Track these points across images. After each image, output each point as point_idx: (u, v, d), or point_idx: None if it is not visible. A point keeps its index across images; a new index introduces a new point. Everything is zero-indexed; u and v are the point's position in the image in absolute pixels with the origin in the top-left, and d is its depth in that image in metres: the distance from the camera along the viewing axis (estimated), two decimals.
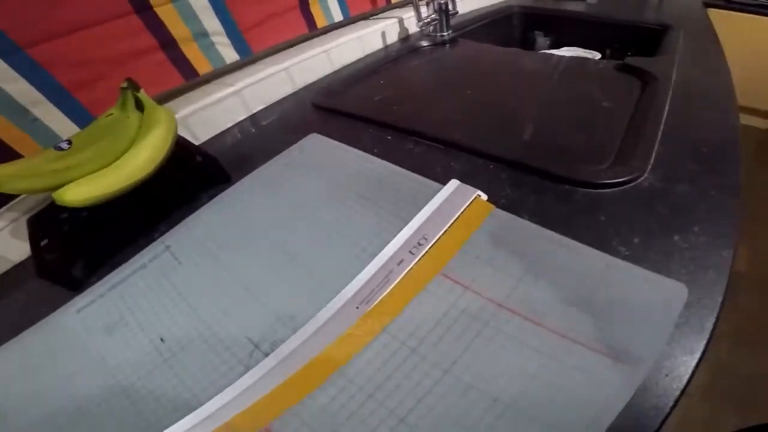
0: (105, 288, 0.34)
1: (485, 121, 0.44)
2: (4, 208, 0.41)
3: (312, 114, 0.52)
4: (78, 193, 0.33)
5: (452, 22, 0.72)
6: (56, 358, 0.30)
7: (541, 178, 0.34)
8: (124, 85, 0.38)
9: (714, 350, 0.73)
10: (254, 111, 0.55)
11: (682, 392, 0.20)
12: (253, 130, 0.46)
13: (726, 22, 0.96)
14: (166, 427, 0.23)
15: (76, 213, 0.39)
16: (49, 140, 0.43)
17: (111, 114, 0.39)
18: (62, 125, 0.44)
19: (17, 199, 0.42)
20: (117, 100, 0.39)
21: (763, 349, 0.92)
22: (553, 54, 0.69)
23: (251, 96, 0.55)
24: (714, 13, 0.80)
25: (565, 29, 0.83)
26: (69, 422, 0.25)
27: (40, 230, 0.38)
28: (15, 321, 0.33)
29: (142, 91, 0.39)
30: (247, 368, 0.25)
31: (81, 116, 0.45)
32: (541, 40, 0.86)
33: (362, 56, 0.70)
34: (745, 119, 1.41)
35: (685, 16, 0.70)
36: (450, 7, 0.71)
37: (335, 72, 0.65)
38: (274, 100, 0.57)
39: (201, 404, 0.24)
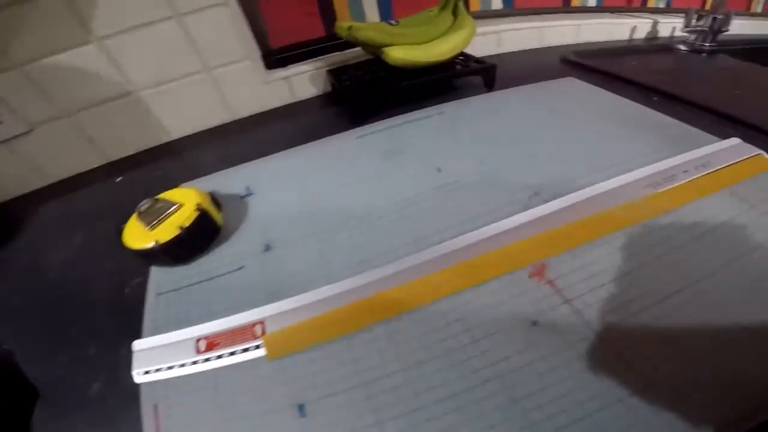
0: (383, 126, 0.44)
1: (765, 114, 0.41)
2: (314, 59, 0.55)
3: (562, 67, 0.55)
4: (402, 53, 0.43)
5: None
6: (331, 168, 0.37)
7: None
8: None
9: None
10: (504, 51, 0.61)
11: None
12: (506, 65, 0.52)
13: None
14: (440, 241, 0.27)
15: (372, 70, 0.50)
16: (358, 19, 0.56)
17: (431, 11, 0.49)
18: (372, 13, 0.56)
19: (323, 56, 0.55)
20: (440, 1, 0.49)
21: None
22: None
23: (506, 39, 0.61)
24: None
25: None
26: (341, 220, 0.31)
27: (340, 75, 0.50)
28: (300, 136, 0.45)
29: (461, 1, 0.48)
30: (527, 208, 0.28)
31: (386, 11, 0.57)
32: None
33: (605, 40, 0.70)
34: None
35: None
36: (723, 25, 0.66)
37: (577, 44, 0.68)
38: (522, 49, 0.63)
39: (478, 228, 0.27)
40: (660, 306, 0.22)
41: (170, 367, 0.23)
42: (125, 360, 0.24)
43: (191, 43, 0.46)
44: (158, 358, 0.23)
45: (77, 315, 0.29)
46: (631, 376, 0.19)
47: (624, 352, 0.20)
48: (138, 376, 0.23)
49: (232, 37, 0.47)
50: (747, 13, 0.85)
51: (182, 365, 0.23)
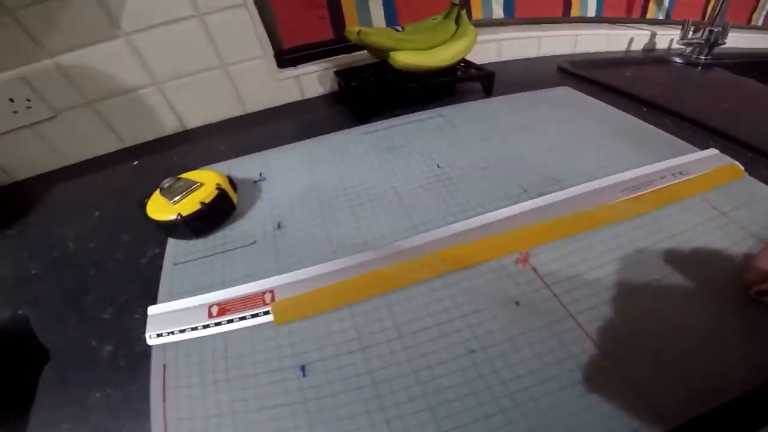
0: (387, 125, 0.47)
1: (749, 127, 0.44)
2: (323, 59, 0.58)
3: (559, 76, 0.58)
4: (407, 57, 0.46)
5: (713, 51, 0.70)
6: (337, 159, 0.40)
7: None
8: (456, 1, 0.50)
9: None
10: (504, 59, 0.64)
11: None
12: (505, 72, 0.55)
13: None
14: (436, 227, 0.29)
15: (377, 72, 0.53)
16: (364, 24, 0.59)
17: (435, 18, 0.52)
18: (377, 19, 0.59)
19: (331, 58, 0.58)
20: (443, 10, 0.52)
21: None
22: None
23: (506, 47, 0.64)
24: None
25: None
26: (347, 205, 0.34)
27: (347, 76, 0.53)
28: (308, 131, 0.47)
29: (464, 10, 0.51)
30: (516, 203, 0.31)
31: (391, 18, 0.60)
32: None
33: (603, 50, 0.73)
34: None
35: None
36: (719, 38, 0.69)
37: (574, 54, 0.70)
38: (521, 57, 0.66)
39: (471, 217, 0.30)
40: (627, 297, 0.24)
41: (182, 330, 0.24)
42: (138, 325, 0.25)
43: (211, 41, 0.49)
44: (172, 322, 0.25)
45: (94, 283, 0.30)
46: (598, 354, 0.21)
47: (592, 334, 0.22)
48: (150, 339, 0.24)
49: (248, 36, 0.50)
50: (745, 26, 0.87)
51: (194, 328, 0.24)
